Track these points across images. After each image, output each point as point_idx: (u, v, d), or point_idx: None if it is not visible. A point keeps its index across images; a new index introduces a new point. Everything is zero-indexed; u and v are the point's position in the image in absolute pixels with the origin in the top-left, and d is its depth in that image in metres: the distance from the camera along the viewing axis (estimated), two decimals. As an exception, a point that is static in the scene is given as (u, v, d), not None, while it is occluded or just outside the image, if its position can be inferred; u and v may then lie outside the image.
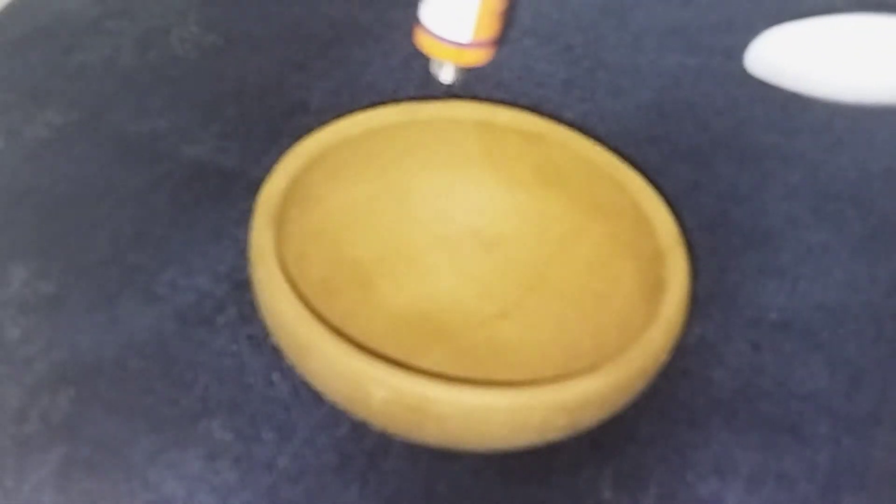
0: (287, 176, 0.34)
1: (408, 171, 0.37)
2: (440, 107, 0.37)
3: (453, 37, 0.31)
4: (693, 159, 0.44)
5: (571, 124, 0.38)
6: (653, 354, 0.31)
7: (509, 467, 0.33)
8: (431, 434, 0.30)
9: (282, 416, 0.33)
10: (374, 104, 0.37)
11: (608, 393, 0.30)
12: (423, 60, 0.48)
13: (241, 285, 0.37)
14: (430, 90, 0.46)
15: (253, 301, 0.35)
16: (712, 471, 0.33)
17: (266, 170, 0.34)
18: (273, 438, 0.33)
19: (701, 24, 0.51)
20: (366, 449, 0.33)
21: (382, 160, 0.37)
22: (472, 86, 0.46)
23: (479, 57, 0.32)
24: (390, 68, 0.47)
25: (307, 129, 0.36)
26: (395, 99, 0.38)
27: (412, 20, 0.50)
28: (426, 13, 0.31)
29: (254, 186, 0.34)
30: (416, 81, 0.46)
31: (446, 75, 0.33)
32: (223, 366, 0.35)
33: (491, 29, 0.32)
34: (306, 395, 0.34)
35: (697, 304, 0.38)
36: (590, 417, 0.31)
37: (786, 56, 0.46)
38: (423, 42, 0.32)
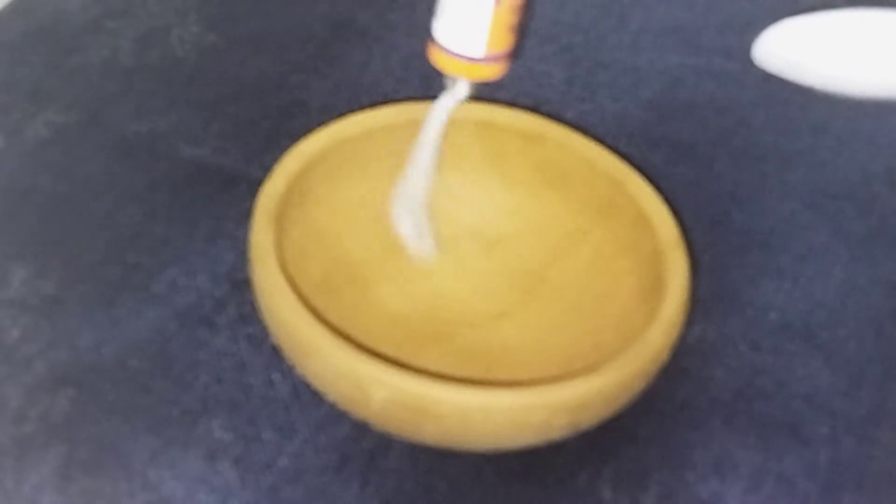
0: (287, 176, 0.34)
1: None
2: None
3: (466, 52, 0.31)
4: (693, 159, 0.44)
5: (571, 124, 0.38)
6: (653, 354, 0.31)
7: (509, 467, 0.33)
8: (431, 434, 0.30)
9: (282, 416, 0.33)
10: (374, 104, 0.37)
11: (608, 393, 0.30)
12: (423, 61, 0.48)
13: (240, 285, 0.37)
14: (430, 90, 0.46)
15: (253, 301, 0.35)
16: (712, 471, 0.33)
17: (266, 170, 0.34)
18: (273, 438, 0.33)
19: (701, 23, 0.51)
20: (366, 449, 0.33)
21: (382, 160, 0.37)
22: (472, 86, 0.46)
23: (493, 71, 0.32)
24: (390, 68, 0.47)
25: (307, 129, 0.36)
26: (395, 99, 0.38)
27: (412, 21, 0.50)
28: (438, 29, 0.31)
29: (254, 186, 0.34)
30: (416, 81, 0.46)
31: (460, 91, 0.32)
32: (223, 366, 0.35)
33: (504, 43, 0.31)
34: (306, 395, 0.34)
35: (697, 303, 0.38)
36: (590, 417, 0.31)
37: (795, 49, 0.46)
38: (436, 58, 0.32)
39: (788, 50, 0.46)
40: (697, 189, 0.42)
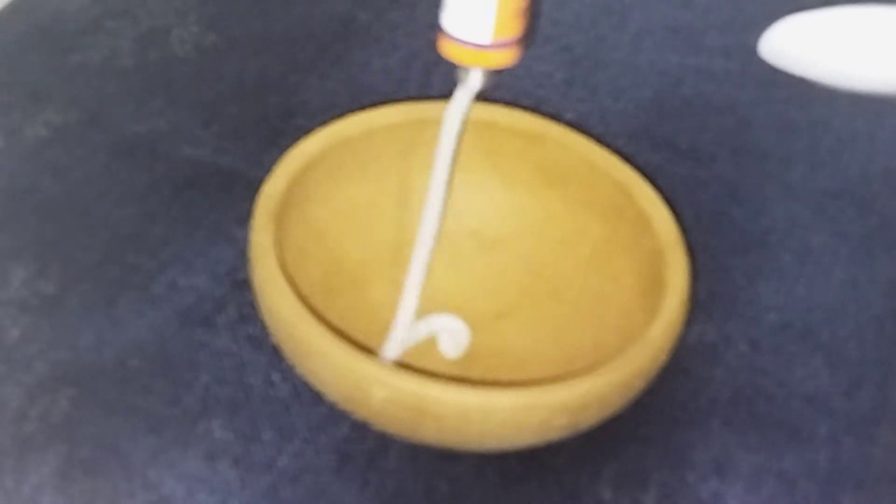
0: (287, 176, 0.34)
1: (407, 171, 0.37)
2: (440, 107, 0.37)
3: (474, 39, 0.31)
4: (693, 159, 0.44)
5: (571, 124, 0.38)
6: (652, 354, 0.30)
7: (509, 467, 0.33)
8: (431, 434, 0.30)
9: (282, 416, 0.33)
10: (373, 104, 0.37)
11: (608, 393, 0.30)
12: (423, 60, 0.48)
13: (240, 285, 0.37)
14: (430, 90, 0.46)
15: (253, 301, 0.35)
16: (712, 471, 0.33)
17: (266, 170, 0.34)
18: (273, 438, 0.33)
19: (701, 23, 0.51)
20: (366, 449, 0.33)
21: (382, 160, 0.37)
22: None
23: (503, 59, 0.31)
24: (390, 68, 0.47)
25: (307, 130, 0.35)
26: (394, 99, 0.38)
27: (412, 20, 0.50)
28: (446, 17, 0.31)
29: (253, 186, 0.34)
30: (416, 81, 0.46)
31: (474, 81, 0.32)
32: (223, 366, 0.35)
33: (512, 28, 0.31)
34: (306, 395, 0.34)
35: (697, 303, 0.38)
36: (590, 417, 0.30)
37: (802, 44, 0.46)
38: (445, 47, 0.31)
39: (795, 45, 0.46)
40: (697, 189, 0.42)
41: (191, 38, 0.47)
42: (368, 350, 0.33)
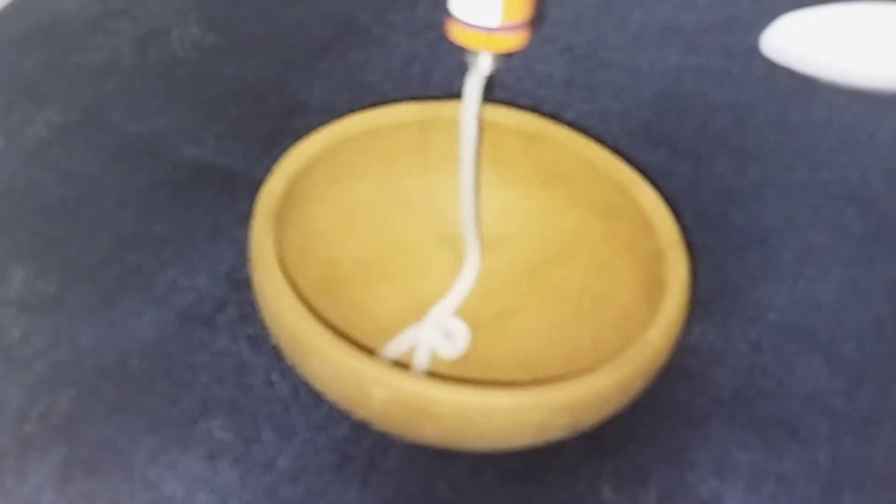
0: (287, 176, 0.34)
1: (407, 170, 0.37)
2: (440, 107, 0.37)
3: (481, 22, 0.31)
4: (693, 159, 0.44)
5: (571, 124, 0.37)
6: (653, 354, 0.30)
7: (509, 467, 0.33)
8: (431, 434, 0.30)
9: (282, 416, 0.33)
10: (373, 104, 0.37)
11: (608, 393, 0.30)
12: (423, 60, 0.48)
13: (241, 285, 0.37)
14: (430, 90, 0.46)
15: (253, 301, 0.35)
16: (712, 471, 0.33)
17: (266, 170, 0.34)
18: (273, 438, 0.33)
19: (701, 23, 0.51)
20: (366, 449, 0.33)
21: (382, 160, 0.37)
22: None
23: (511, 42, 0.31)
24: (390, 68, 0.47)
25: (307, 129, 0.35)
26: (395, 99, 0.38)
27: (412, 20, 0.50)
28: (453, 1, 0.31)
29: (254, 186, 0.34)
30: (416, 81, 0.46)
31: (483, 65, 0.32)
32: (223, 366, 0.35)
33: (521, 11, 0.31)
34: (306, 396, 0.34)
35: (697, 303, 0.37)
36: (590, 417, 0.30)
37: (804, 41, 0.46)
38: (453, 32, 0.31)
39: (796, 42, 0.46)
40: (697, 189, 0.42)
41: (191, 38, 0.47)
42: (369, 350, 0.33)
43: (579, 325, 0.35)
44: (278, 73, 0.46)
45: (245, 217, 0.38)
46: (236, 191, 0.40)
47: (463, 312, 0.37)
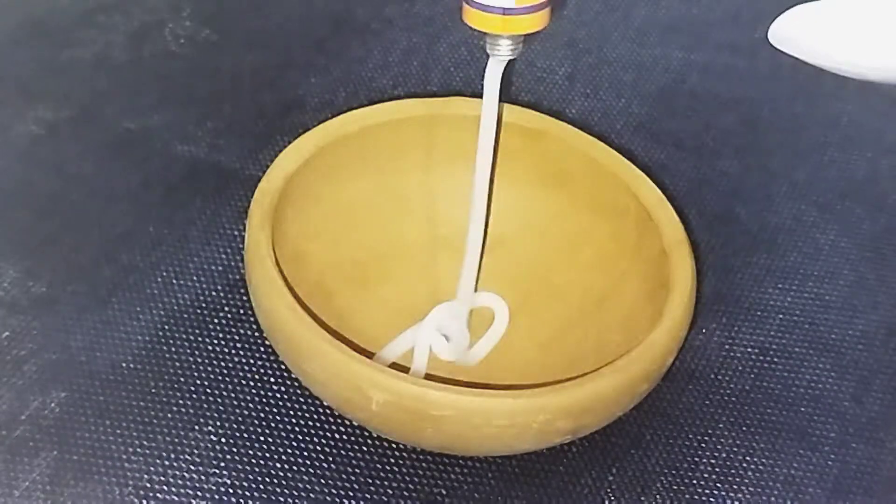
0: (283, 174, 0.33)
1: (406, 169, 0.37)
2: (439, 103, 0.36)
3: (496, 2, 0.30)
4: (698, 157, 0.43)
5: (574, 121, 0.37)
6: (657, 356, 0.30)
7: (510, 472, 0.32)
8: (431, 438, 0.29)
9: (278, 419, 0.33)
10: (372, 100, 0.36)
11: (611, 396, 0.29)
12: (421, 56, 0.47)
13: (236, 286, 0.36)
14: (428, 86, 0.45)
15: (249, 302, 0.35)
16: (718, 476, 0.33)
17: (262, 168, 0.34)
18: (269, 442, 0.32)
19: (706, 18, 0.50)
20: (365, 451, 0.32)
21: (380, 158, 0.36)
22: (472, 82, 0.46)
23: (529, 23, 0.30)
24: (388, 64, 0.46)
25: (303, 127, 0.35)
26: (393, 95, 0.38)
27: (410, 15, 0.50)
28: None
29: (249, 185, 0.33)
30: (415, 77, 0.46)
31: (504, 50, 0.31)
32: (218, 368, 0.34)
33: None
34: (303, 398, 0.33)
35: (703, 304, 0.37)
36: (593, 421, 0.30)
37: (812, 31, 0.45)
38: (469, 17, 0.30)
39: (804, 33, 0.46)
40: (703, 187, 0.42)
41: (185, 33, 0.47)
42: (366, 352, 0.33)
43: (582, 327, 0.35)
44: (274, 68, 0.46)
45: (240, 216, 0.38)
46: (231, 189, 0.40)
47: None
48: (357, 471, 0.32)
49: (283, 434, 0.33)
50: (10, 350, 0.34)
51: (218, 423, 0.33)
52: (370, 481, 0.32)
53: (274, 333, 0.31)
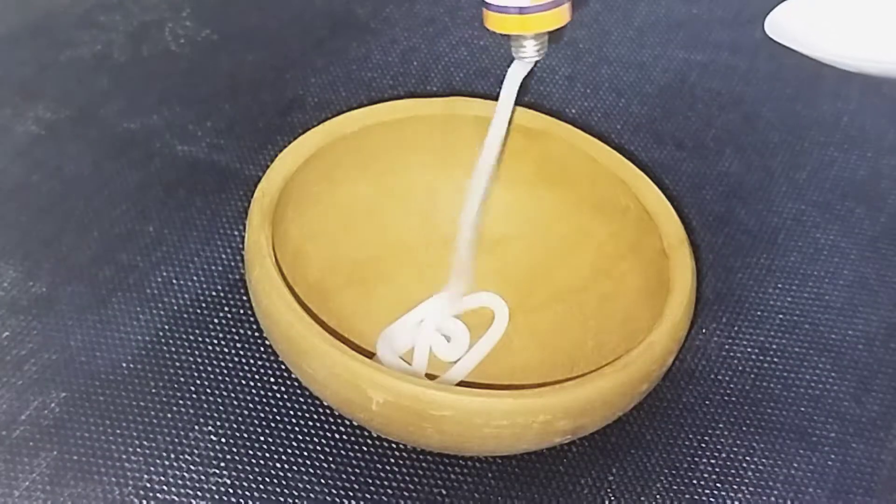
0: (283, 174, 0.33)
1: (406, 169, 0.37)
2: (439, 103, 0.36)
3: (512, 3, 0.30)
4: (698, 156, 0.43)
5: (574, 121, 0.37)
6: (657, 356, 0.30)
7: (510, 472, 0.32)
8: (431, 438, 0.29)
9: (278, 419, 0.33)
10: (372, 100, 0.36)
11: (612, 396, 0.29)
12: (421, 56, 0.47)
13: (236, 286, 0.36)
14: (428, 86, 0.45)
15: (248, 302, 0.34)
16: (718, 476, 0.33)
17: (261, 168, 0.34)
18: (269, 442, 0.32)
19: (706, 18, 0.50)
20: (365, 451, 0.32)
21: (380, 158, 0.36)
22: (471, 82, 0.45)
23: (549, 20, 0.30)
24: (388, 64, 0.46)
25: (303, 126, 0.35)
26: (393, 95, 0.37)
27: (411, 15, 0.50)
28: None
29: (249, 184, 0.33)
30: (415, 77, 0.46)
31: (529, 51, 0.31)
32: (218, 368, 0.34)
33: None
34: (303, 398, 0.33)
35: (703, 304, 0.37)
36: (593, 421, 0.30)
37: (808, 22, 0.45)
38: (490, 21, 0.30)
39: (801, 23, 0.45)
40: (703, 187, 0.42)
41: (185, 32, 0.47)
42: (366, 352, 0.33)
43: (582, 327, 0.34)
44: (274, 68, 0.46)
45: (240, 216, 0.37)
46: (231, 189, 0.40)
47: (463, 314, 0.36)
48: (357, 471, 0.32)
49: (283, 434, 0.32)
50: (10, 350, 0.34)
51: (218, 423, 0.32)
52: (370, 481, 0.32)
53: (274, 333, 0.30)
